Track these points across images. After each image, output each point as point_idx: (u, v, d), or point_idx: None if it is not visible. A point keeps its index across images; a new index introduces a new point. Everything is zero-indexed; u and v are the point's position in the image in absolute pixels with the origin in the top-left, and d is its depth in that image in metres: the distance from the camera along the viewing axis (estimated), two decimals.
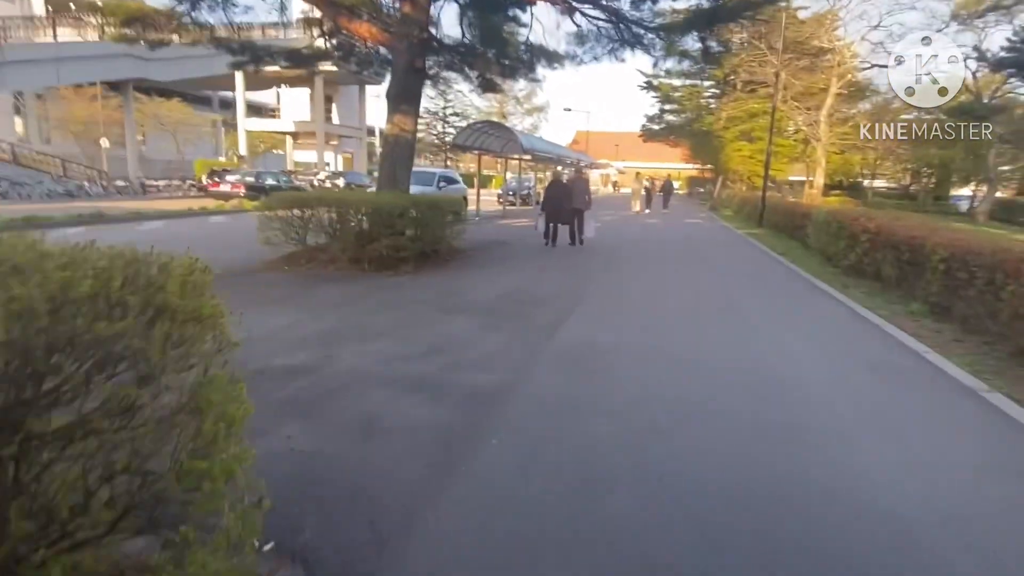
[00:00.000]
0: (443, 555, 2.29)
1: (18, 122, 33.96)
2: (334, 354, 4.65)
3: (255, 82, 39.33)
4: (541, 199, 14.13)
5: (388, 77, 11.13)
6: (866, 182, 42.38)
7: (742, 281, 9.28)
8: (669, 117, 42.23)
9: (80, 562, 1.39)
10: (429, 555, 2.28)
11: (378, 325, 5.70)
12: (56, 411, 1.31)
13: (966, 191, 39.79)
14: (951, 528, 2.54)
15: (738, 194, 30.37)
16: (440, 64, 11.67)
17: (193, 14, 10.37)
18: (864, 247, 9.06)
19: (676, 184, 39.25)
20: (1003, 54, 21.37)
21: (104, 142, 30.97)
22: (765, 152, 21.58)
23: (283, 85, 44.95)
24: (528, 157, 22.33)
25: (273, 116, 47.93)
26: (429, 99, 41.37)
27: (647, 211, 26.07)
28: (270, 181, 24.26)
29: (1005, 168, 32.68)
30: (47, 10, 31.49)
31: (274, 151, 49.80)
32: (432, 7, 10.24)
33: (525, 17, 11.06)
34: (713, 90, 38.33)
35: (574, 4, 10.39)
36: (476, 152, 20.58)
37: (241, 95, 40.19)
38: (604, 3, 10.36)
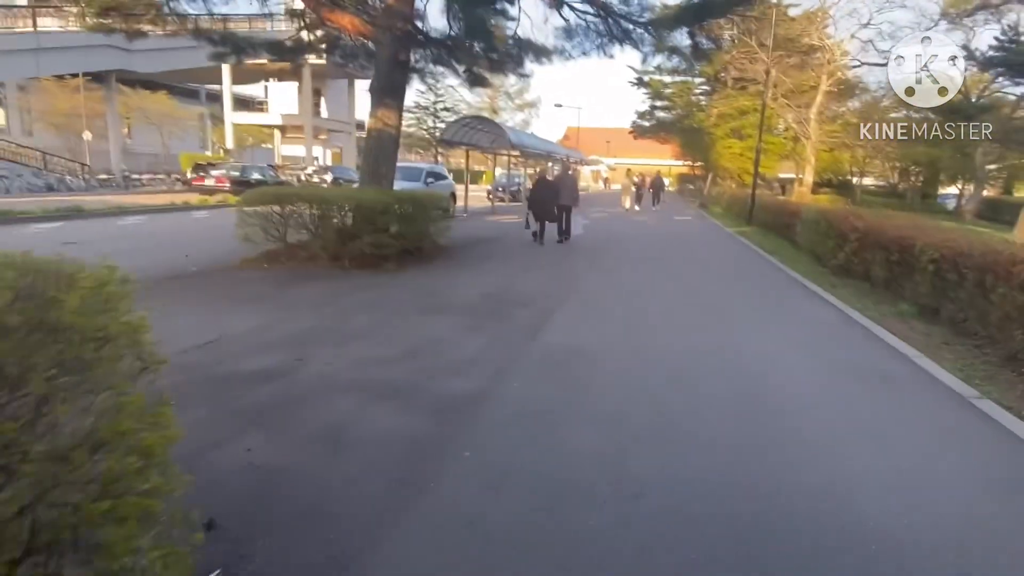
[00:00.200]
0: None
1: (0, 114, 33.32)
2: (306, 357, 4.46)
3: (242, 75, 38.80)
4: (528, 196, 13.95)
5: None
6: (855, 180, 42.52)
7: (729, 282, 9.17)
8: (660, 114, 42.06)
9: None
10: None
11: (355, 326, 5.51)
12: None
13: (953, 190, 40.03)
14: (943, 552, 2.41)
15: (728, 191, 30.33)
16: (426, 58, 11.44)
17: (172, 4, 10.07)
18: (853, 246, 8.96)
19: (667, 181, 39.11)
20: (991, 53, 21.40)
21: (87, 135, 30.40)
22: (755, 149, 21.51)
23: (271, 78, 44.30)
24: (517, 153, 22.10)
25: (261, 110, 47.26)
26: (419, 94, 40.92)
27: (637, 208, 25.96)
28: (256, 176, 23.91)
29: (991, 167, 32.88)
30: None
31: (262, 145, 49.20)
32: None
33: (513, 10, 10.85)
34: (704, 87, 38.26)
35: None
36: (464, 147, 20.36)
37: (228, 88, 39.65)
38: None
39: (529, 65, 11.51)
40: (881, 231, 8.19)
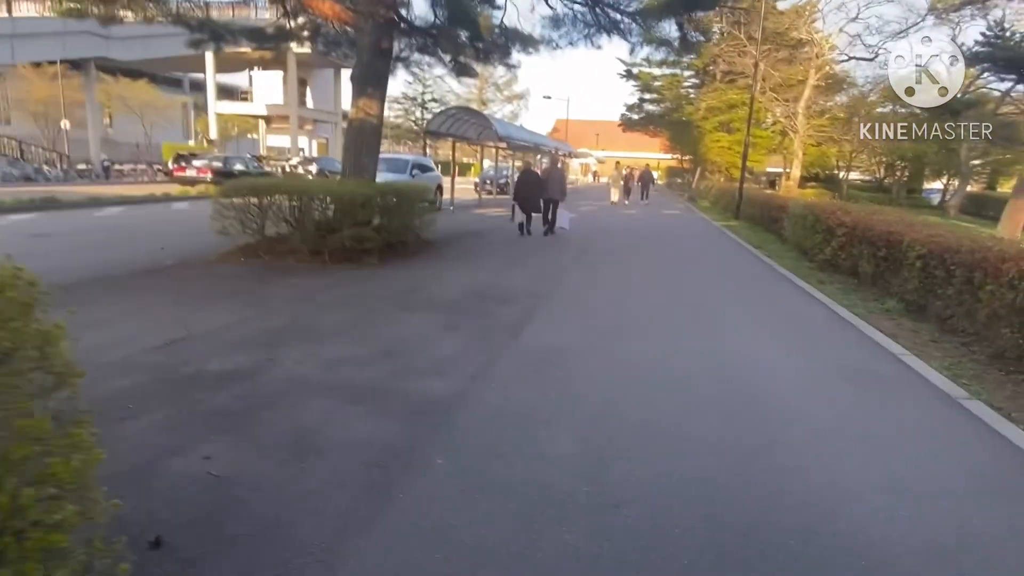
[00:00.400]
0: None
1: None
2: (277, 357, 4.28)
3: (226, 64, 38.06)
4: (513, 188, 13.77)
5: None
6: (841, 175, 42.69)
7: (716, 278, 9.09)
8: (649, 107, 42.00)
9: None
10: None
11: (331, 324, 5.33)
12: None
13: (938, 185, 40.30)
14: (933, 561, 2.30)
15: (716, 185, 30.31)
16: (411, 47, 11.20)
17: None
18: (840, 241, 8.89)
19: (656, 175, 39.03)
20: (977, 48, 21.41)
21: (65, 124, 29.69)
22: (743, 143, 21.45)
23: (256, 67, 43.50)
24: (504, 145, 21.86)
25: (245, 99, 46.48)
26: (407, 84, 40.54)
27: (626, 202, 25.86)
28: (238, 166, 23.42)
29: (976, 162, 33.10)
30: None
31: (248, 136, 48.39)
32: None
33: None
34: (693, 80, 38.18)
35: None
36: (451, 139, 20.09)
37: (212, 77, 38.90)
38: None
39: (516, 55, 11.29)
40: (868, 226, 8.11)
